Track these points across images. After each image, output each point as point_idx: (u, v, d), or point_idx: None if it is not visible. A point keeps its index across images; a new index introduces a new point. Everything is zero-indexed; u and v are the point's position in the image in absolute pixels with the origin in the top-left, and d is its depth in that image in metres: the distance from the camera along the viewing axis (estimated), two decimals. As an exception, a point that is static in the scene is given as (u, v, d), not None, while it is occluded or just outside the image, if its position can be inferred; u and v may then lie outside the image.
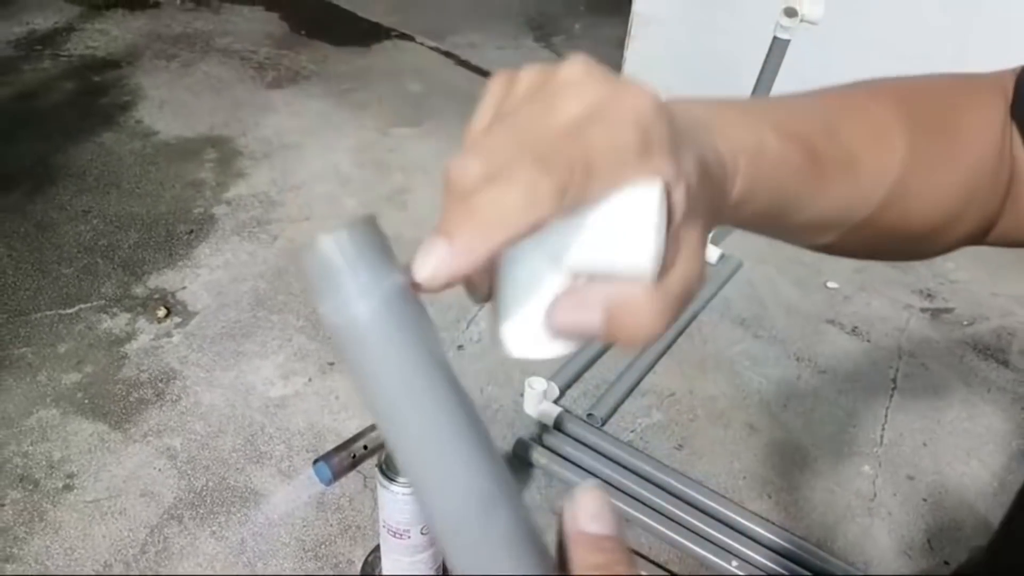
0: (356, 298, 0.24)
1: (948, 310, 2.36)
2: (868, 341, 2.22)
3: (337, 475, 1.09)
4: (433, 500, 0.25)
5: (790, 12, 1.77)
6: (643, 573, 1.57)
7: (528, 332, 0.30)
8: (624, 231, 0.27)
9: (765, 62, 1.91)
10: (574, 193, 0.26)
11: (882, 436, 1.93)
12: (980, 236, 0.49)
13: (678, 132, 0.29)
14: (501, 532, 0.25)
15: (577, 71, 0.29)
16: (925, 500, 1.78)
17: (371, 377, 0.25)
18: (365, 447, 1.14)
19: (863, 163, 0.42)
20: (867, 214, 0.43)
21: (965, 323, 2.32)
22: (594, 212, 0.27)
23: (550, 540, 0.28)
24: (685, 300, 0.30)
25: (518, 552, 0.26)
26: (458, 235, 0.26)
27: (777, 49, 1.86)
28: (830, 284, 2.40)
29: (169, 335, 2.03)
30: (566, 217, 0.27)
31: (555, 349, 0.30)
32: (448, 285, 0.27)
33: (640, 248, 0.27)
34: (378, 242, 0.25)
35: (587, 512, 0.27)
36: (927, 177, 0.44)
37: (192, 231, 2.38)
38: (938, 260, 2.46)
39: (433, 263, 0.26)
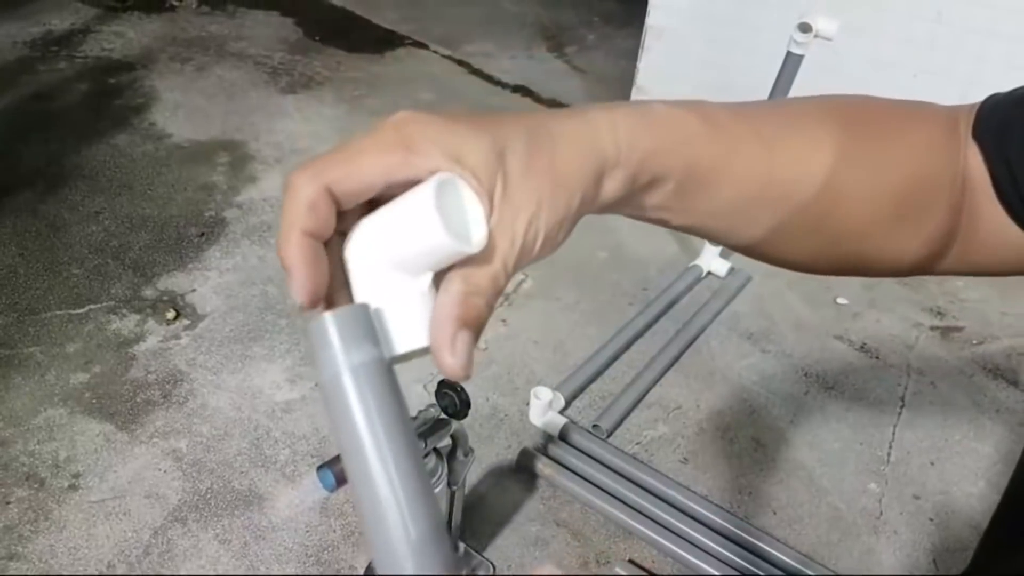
0: (338, 365, 0.30)
1: (958, 329, 2.35)
2: (877, 358, 2.21)
3: (341, 482, 1.09)
4: (376, 536, 0.30)
5: (804, 27, 1.77)
6: None
7: (397, 332, 0.33)
8: (416, 216, 0.31)
9: (778, 77, 1.90)
10: (330, 175, 0.31)
11: (889, 454, 1.91)
12: (935, 255, 0.49)
13: (464, 135, 0.33)
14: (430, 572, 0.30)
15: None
16: (931, 520, 1.77)
17: (340, 430, 0.31)
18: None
19: (778, 141, 0.44)
20: (796, 203, 0.44)
21: (975, 342, 2.30)
22: (393, 207, 0.33)
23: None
24: (521, 260, 0.34)
25: None
26: (281, 254, 0.33)
27: (791, 64, 1.86)
28: (840, 300, 2.39)
29: (177, 337, 2.03)
30: (357, 210, 0.33)
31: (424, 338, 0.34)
32: (317, 301, 0.33)
33: (432, 227, 0.31)
34: (364, 322, 0.31)
35: None
36: (859, 175, 0.45)
37: (203, 234, 2.39)
38: (948, 278, 2.46)
39: (292, 291, 0.33)
